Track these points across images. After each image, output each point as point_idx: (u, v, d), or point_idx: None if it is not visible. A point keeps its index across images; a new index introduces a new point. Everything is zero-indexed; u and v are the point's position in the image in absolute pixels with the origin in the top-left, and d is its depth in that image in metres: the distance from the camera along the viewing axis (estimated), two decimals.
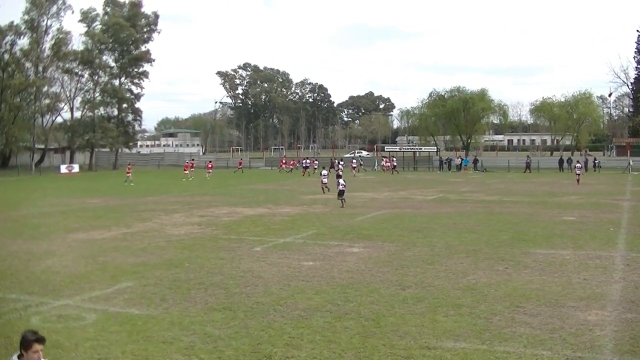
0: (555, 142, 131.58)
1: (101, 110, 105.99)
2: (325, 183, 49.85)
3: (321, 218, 32.64)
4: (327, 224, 30.05)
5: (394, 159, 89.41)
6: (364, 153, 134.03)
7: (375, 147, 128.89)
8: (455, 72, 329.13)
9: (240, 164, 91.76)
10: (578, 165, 67.10)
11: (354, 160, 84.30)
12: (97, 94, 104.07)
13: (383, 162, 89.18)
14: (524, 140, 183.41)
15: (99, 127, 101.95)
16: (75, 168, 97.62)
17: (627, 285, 16.74)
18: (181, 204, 41.63)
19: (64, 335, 12.75)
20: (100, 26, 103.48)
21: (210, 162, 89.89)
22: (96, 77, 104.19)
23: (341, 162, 78.99)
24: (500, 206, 38.28)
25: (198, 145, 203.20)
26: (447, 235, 25.99)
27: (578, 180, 61.33)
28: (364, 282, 17.37)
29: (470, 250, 22.19)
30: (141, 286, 17.09)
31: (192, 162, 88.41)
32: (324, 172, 52.14)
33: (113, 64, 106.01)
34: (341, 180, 41.70)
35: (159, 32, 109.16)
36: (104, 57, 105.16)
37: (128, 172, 67.04)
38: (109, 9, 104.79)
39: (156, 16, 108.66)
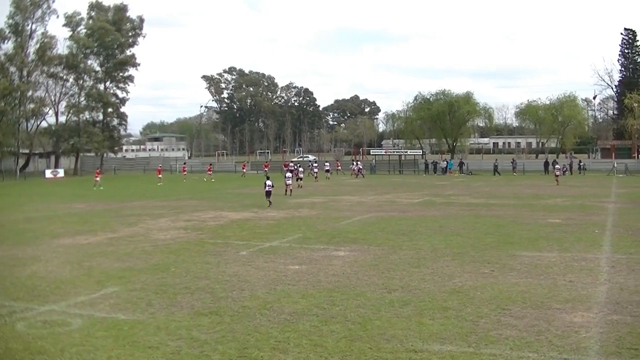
0: (540, 144, 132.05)
1: (86, 115, 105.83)
2: (288, 185, 51.77)
3: (307, 222, 32.62)
4: (313, 228, 30.04)
5: (359, 163, 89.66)
6: (311, 157, 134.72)
7: (361, 150, 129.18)
8: (441, 76, 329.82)
9: (209, 169, 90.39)
10: (557, 167, 69.57)
11: (316, 164, 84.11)
12: (82, 99, 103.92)
13: (352, 166, 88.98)
14: (509, 143, 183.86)
15: (84, 132, 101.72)
16: (61, 173, 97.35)
17: (612, 287, 16.80)
18: (167, 208, 41.54)
19: (50, 341, 12.69)
20: (85, 30, 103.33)
21: (210, 165, 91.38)
22: (81, 81, 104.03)
23: (297, 166, 79.73)
24: (486, 209, 38.35)
25: (184, 149, 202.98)
26: (433, 238, 26.01)
27: (557, 181, 63.64)
28: (350, 285, 17.36)
29: (456, 253, 22.21)
30: (127, 291, 17.04)
31: (184, 165, 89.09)
32: (288, 174, 53.96)
33: (98, 68, 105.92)
34: (268, 182, 42.99)
35: (144, 36, 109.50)
36: (89, 62, 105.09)
37: (97, 177, 67.23)
38: (93, 13, 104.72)
39: (141, 20, 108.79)
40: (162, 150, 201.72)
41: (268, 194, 42.45)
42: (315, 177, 77.47)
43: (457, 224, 30.90)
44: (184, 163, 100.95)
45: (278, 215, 35.94)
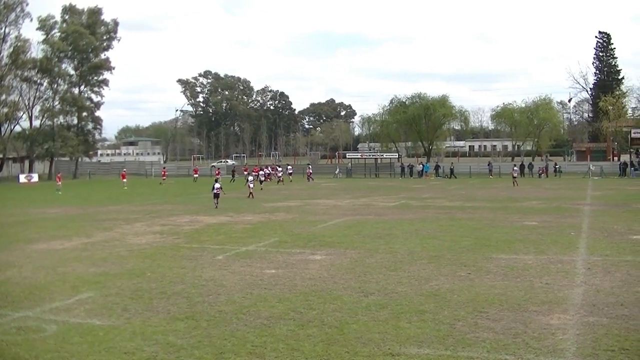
0: (516, 147, 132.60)
1: (60, 119, 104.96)
2: (251, 188, 54.13)
3: (283, 226, 32.60)
4: (289, 232, 30.02)
5: (289, 168, 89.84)
6: (230, 161, 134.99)
7: (337, 154, 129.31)
8: (417, 79, 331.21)
9: (164, 173, 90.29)
10: (515, 168, 74.43)
11: (265, 170, 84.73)
12: (56, 103, 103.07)
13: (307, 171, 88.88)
14: (485, 146, 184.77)
15: (58, 136, 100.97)
16: (35, 177, 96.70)
17: (588, 289, 16.91)
18: (142, 212, 41.36)
19: (24, 347, 12.59)
20: (59, 34, 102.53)
21: (195, 168, 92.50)
22: (55, 85, 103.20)
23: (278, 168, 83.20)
24: (462, 212, 38.50)
25: (159, 153, 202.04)
26: (409, 241, 26.07)
27: (514, 183, 66.97)
28: (326, 289, 17.36)
29: (433, 256, 22.26)
30: (102, 296, 16.95)
31: (165, 169, 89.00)
32: (250, 178, 56.31)
33: (72, 72, 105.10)
34: (217, 184, 45.00)
35: (119, 40, 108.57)
36: (63, 65, 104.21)
37: (58, 181, 67.25)
38: (67, 17, 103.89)
39: (116, 24, 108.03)
40: (137, 154, 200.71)
41: (216, 196, 44.38)
42: (279, 181, 78.98)
43: (433, 227, 30.98)
44: (164, 167, 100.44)
45: (254, 219, 35.90)
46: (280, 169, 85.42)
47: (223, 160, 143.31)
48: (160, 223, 34.79)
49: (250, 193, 53.41)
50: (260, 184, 66.81)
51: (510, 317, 14.24)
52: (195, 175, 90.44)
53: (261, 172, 72.60)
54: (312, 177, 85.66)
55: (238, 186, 65.36)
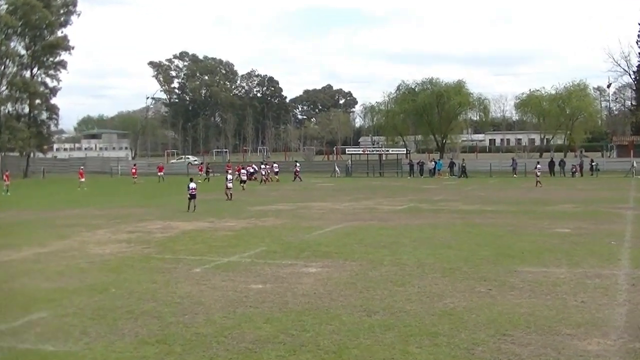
0: (544, 141, 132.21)
1: (9, 107, 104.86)
2: (229, 188, 54.32)
3: (272, 233, 32.57)
4: (279, 240, 29.99)
5: (275, 165, 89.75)
6: (191, 158, 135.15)
7: (335, 149, 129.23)
8: (428, 62, 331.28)
9: (134, 172, 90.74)
10: (539, 166, 73.63)
11: (249, 168, 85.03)
12: (3, 88, 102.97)
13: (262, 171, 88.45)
14: (508, 139, 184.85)
15: (5, 127, 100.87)
16: None
17: (632, 309, 16.83)
18: (106, 217, 41.29)
19: None
20: (6, 6, 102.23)
21: (201, 164, 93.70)
22: (2, 67, 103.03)
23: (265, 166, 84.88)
24: (481, 217, 38.50)
25: (127, 148, 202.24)
26: (419, 251, 26.03)
27: (537, 183, 66.74)
28: (322, 307, 17.31)
29: (447, 268, 22.22)
30: (58, 317, 16.85)
31: (135, 167, 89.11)
32: (229, 177, 56.28)
33: (23, 52, 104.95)
34: (192, 184, 45.38)
35: (79, 15, 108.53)
36: (12, 44, 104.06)
37: (6, 180, 67.34)
38: None
39: None
40: (100, 149, 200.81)
41: (191, 197, 44.67)
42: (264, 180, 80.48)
43: (447, 234, 30.96)
44: (134, 165, 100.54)
45: (238, 225, 35.87)
46: (264, 166, 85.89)
47: (185, 157, 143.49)
48: (127, 230, 34.71)
49: (229, 195, 53.87)
50: (242, 183, 66.97)
51: (540, 341, 14.18)
52: (160, 174, 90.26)
53: (243, 171, 72.69)
54: (300, 176, 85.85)
55: (216, 186, 65.32)
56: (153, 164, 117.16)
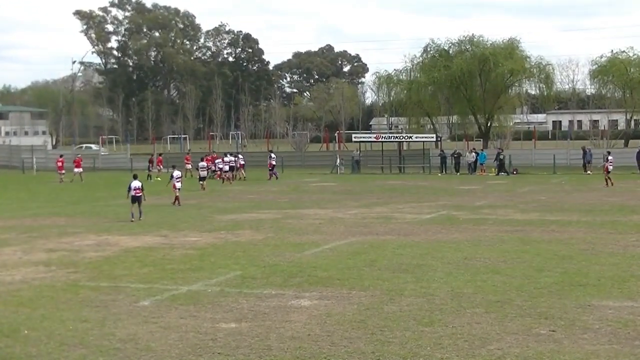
0: (631, 123, 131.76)
1: None
2: (177, 189, 54.94)
3: (249, 251, 32.63)
4: (258, 261, 30.03)
5: (238, 158, 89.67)
6: (94, 147, 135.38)
7: (337, 135, 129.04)
8: (467, 13, 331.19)
9: (60, 167, 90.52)
10: (610, 158, 71.43)
11: (227, 158, 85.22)
12: None
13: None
14: (579, 121, 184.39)
15: None
16: None
17: None
18: (16, 230, 41.30)
19: None
20: None
21: (159, 155, 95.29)
22: None
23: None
24: (541, 230, 38.56)
25: (44, 132, 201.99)
26: (453, 277, 26.08)
27: (607, 181, 66.80)
28: (320, 355, 17.37)
29: (493, 301, 22.27)
30: None
31: (61, 159, 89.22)
32: (176, 172, 56.72)
33: None
34: (135, 183, 45.87)
35: None
36: None
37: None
38: None
39: None
40: (7, 134, 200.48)
41: (135, 200, 45.52)
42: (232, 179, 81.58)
43: (493, 254, 31.01)
44: (61, 155, 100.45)
45: (202, 241, 35.94)
46: (229, 159, 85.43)
47: (86, 145, 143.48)
48: (47, 247, 34.72)
49: (176, 198, 54.61)
50: (201, 181, 67.24)
51: None
52: (77, 170, 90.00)
53: (219, 162, 73.45)
54: (275, 173, 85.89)
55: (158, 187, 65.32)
56: (86, 155, 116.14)
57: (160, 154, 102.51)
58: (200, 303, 22.65)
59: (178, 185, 54.86)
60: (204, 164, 73.69)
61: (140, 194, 45.46)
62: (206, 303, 22.65)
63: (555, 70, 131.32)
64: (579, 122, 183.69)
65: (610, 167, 69.71)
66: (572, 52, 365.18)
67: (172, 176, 55.75)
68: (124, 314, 21.44)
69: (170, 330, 19.63)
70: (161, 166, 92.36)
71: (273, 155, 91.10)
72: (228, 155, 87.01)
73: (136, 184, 45.18)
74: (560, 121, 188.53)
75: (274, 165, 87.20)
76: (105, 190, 69.63)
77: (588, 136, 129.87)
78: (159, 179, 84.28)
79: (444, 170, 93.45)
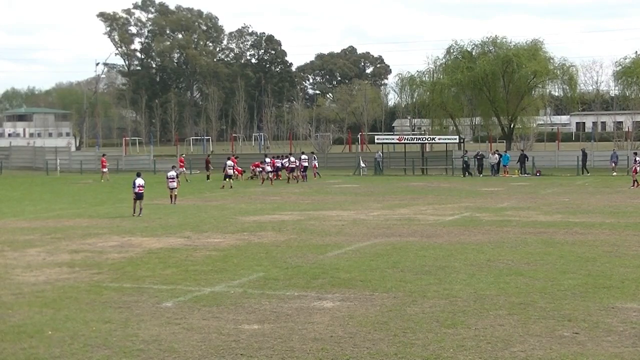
0: None
1: None
2: (173, 188, 56.03)
3: (271, 253, 32.61)
4: (281, 263, 30.02)
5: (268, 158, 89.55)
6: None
7: (359, 136, 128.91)
8: (490, 14, 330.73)
9: (103, 164, 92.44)
10: (637, 159, 70.52)
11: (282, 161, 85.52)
12: None
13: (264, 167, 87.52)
14: (603, 123, 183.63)
15: None
16: None
17: None
18: (40, 231, 41.33)
19: None
20: None
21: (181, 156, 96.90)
22: None
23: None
24: (565, 232, 38.44)
25: (68, 134, 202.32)
26: (476, 279, 26.06)
27: (635, 182, 66.56)
28: (342, 357, 17.34)
29: (516, 303, 22.22)
30: None
31: (104, 158, 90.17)
32: (172, 173, 57.39)
33: None
34: (139, 180, 47.79)
35: None
36: None
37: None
38: None
39: None
40: (31, 135, 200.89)
41: (138, 196, 47.87)
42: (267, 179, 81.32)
43: (516, 256, 30.95)
44: (103, 155, 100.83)
45: (224, 242, 35.93)
46: (304, 157, 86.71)
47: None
48: (70, 248, 34.76)
49: (171, 197, 56.02)
50: (228, 179, 67.96)
51: None
52: (104, 170, 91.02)
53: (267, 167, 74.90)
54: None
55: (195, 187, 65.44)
56: (111, 157, 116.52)
57: (182, 155, 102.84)
58: (222, 304, 22.65)
59: (172, 184, 55.76)
60: (231, 163, 74.29)
61: (143, 190, 47.16)
62: (229, 304, 22.64)
63: (578, 72, 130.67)
64: (603, 123, 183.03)
65: (639, 168, 68.77)
66: (596, 53, 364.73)
67: (167, 176, 56.73)
68: (147, 315, 21.45)
69: (193, 332, 19.63)
70: (183, 168, 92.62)
71: (304, 156, 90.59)
72: (303, 154, 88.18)
73: (140, 181, 45.88)
74: (583, 123, 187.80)
75: (305, 167, 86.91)
76: (128, 192, 69.51)
77: (612, 138, 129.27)
78: (187, 180, 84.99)
79: (467, 172, 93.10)
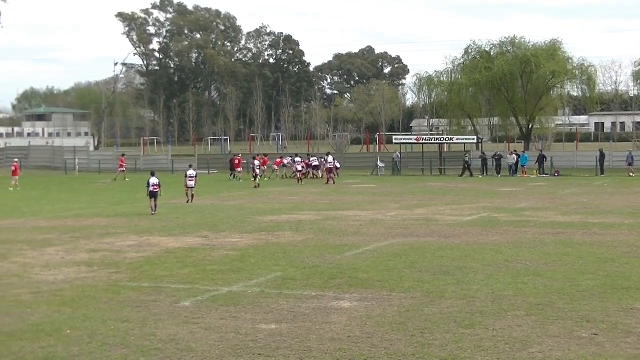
0: None
1: None
2: (190, 187, 56.68)
3: (289, 252, 32.61)
4: (299, 263, 30.02)
5: (309, 159, 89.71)
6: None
7: (377, 136, 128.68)
8: (508, 14, 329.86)
9: (121, 164, 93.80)
10: None
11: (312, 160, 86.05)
12: None
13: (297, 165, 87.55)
14: (622, 123, 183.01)
15: None
16: None
17: None
18: (59, 230, 41.41)
19: None
20: None
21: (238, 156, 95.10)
22: None
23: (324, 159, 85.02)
24: (584, 232, 38.36)
25: (87, 134, 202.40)
26: (494, 279, 26.01)
27: None
28: (360, 357, 17.32)
29: (534, 304, 22.17)
30: None
31: (122, 158, 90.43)
32: (190, 172, 57.54)
33: None
34: (153, 179, 48.68)
35: None
36: None
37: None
38: None
39: None
40: (50, 135, 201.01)
41: (152, 195, 48.98)
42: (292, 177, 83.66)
43: (534, 256, 30.88)
44: (123, 155, 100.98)
45: (242, 242, 35.95)
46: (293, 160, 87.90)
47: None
48: (88, 248, 34.81)
49: (192, 196, 56.90)
50: (256, 179, 68.84)
51: None
52: (122, 170, 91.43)
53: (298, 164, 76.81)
54: (332, 176, 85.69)
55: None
56: (129, 157, 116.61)
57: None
58: (240, 304, 22.65)
59: (191, 183, 56.33)
60: (257, 162, 75.04)
61: (157, 189, 48.08)
62: (246, 304, 22.65)
63: (597, 72, 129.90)
64: (622, 123, 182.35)
65: None
66: (615, 53, 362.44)
67: (186, 175, 57.06)
68: (164, 315, 21.47)
69: (210, 331, 19.63)
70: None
71: (330, 159, 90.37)
72: (329, 155, 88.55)
73: (154, 180, 46.52)
74: (602, 123, 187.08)
75: (331, 169, 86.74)
76: (145, 191, 69.66)
77: (631, 138, 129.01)
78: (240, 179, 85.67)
79: (484, 172, 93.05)
